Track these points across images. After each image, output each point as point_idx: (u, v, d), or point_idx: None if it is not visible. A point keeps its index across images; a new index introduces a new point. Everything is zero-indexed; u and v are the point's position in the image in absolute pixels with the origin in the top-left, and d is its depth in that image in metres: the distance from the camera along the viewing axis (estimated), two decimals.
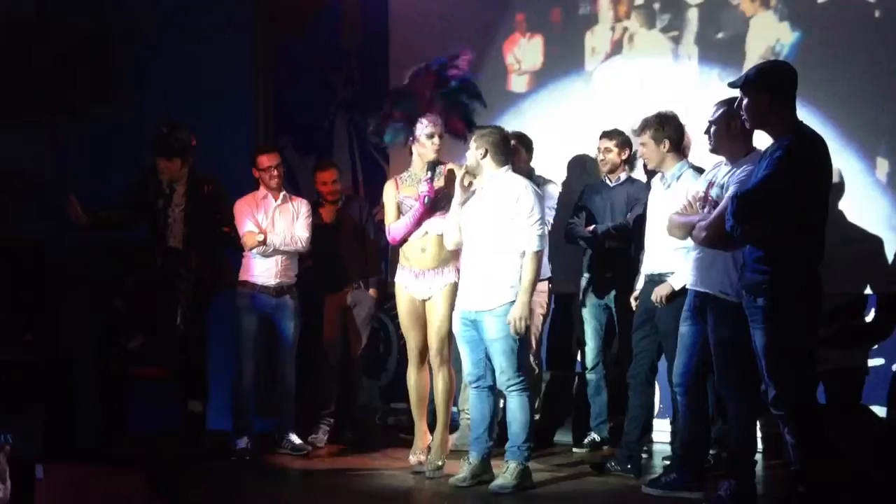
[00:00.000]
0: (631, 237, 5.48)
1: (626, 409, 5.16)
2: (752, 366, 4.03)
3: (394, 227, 5.07)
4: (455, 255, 4.99)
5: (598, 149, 5.72)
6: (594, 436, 5.69)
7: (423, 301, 5.05)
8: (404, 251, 5.07)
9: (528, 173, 5.53)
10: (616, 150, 5.64)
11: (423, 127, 4.98)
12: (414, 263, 5.03)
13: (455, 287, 4.94)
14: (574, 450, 5.67)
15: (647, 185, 5.44)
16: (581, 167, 6.22)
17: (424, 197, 4.94)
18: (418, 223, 4.99)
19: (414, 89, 5.07)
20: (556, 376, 5.94)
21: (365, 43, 7.07)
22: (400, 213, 5.06)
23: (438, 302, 4.99)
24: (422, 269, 5.01)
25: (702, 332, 4.42)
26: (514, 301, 4.67)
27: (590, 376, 5.69)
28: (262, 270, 5.57)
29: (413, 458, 5.15)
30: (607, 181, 5.71)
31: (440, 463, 5.03)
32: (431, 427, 5.21)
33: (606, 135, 5.72)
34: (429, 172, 4.95)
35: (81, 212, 5.58)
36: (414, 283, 5.04)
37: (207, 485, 5.03)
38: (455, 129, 5.08)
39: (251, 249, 5.54)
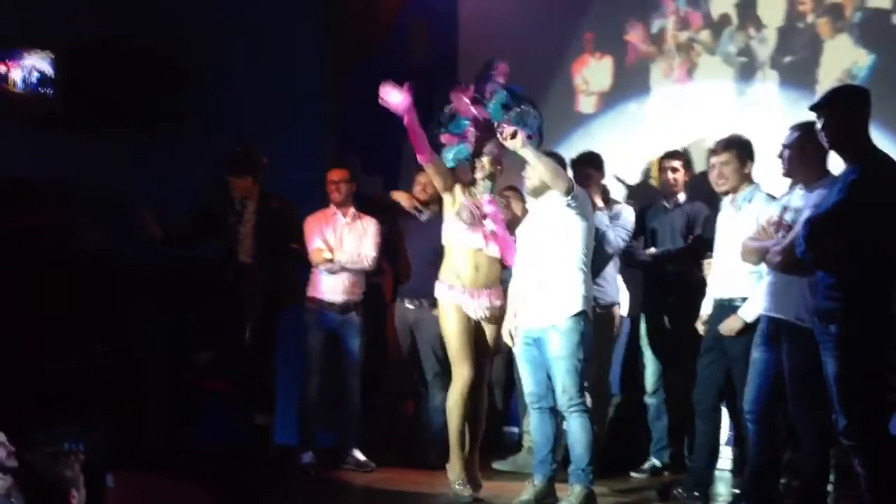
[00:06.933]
0: (692, 260, 5.43)
1: (684, 435, 5.07)
2: (827, 394, 3.95)
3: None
4: (499, 276, 4.96)
5: (663, 169, 5.68)
6: (654, 461, 5.62)
7: (475, 321, 4.95)
8: (456, 270, 4.93)
9: (604, 194, 5.50)
10: (682, 170, 5.61)
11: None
12: (466, 282, 4.92)
13: (503, 309, 4.90)
14: (632, 475, 5.58)
15: (707, 207, 5.38)
16: (645, 189, 6.19)
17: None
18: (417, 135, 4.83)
19: (459, 109, 5.03)
20: (623, 400, 5.88)
21: (434, 64, 7.12)
22: (460, 219, 4.93)
23: (496, 320, 4.94)
24: (475, 288, 4.92)
25: (775, 358, 4.34)
26: (580, 312, 4.63)
27: (650, 401, 5.63)
28: (329, 287, 5.62)
29: (465, 491, 4.91)
30: (665, 204, 5.67)
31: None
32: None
33: (673, 155, 5.69)
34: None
35: (156, 227, 5.69)
36: (470, 303, 4.93)
37: (272, 498, 5.07)
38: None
39: (318, 266, 5.61)
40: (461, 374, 4.89)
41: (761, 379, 4.40)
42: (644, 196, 6.10)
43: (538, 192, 4.80)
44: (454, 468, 4.96)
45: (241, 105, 6.44)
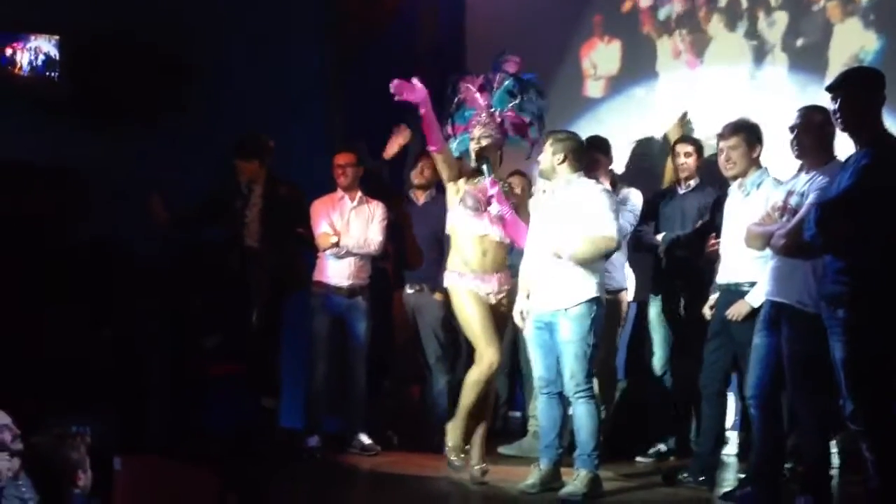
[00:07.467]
0: (701, 246, 5.40)
1: (690, 420, 5.05)
2: (828, 379, 3.94)
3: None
4: (506, 259, 4.98)
5: (676, 154, 5.65)
6: (660, 446, 5.63)
7: (489, 304, 4.96)
8: (464, 256, 4.95)
9: (612, 179, 5.48)
10: (695, 155, 5.57)
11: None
12: (475, 267, 4.94)
13: (513, 292, 4.91)
14: (638, 459, 5.59)
15: (717, 193, 5.36)
16: (654, 174, 6.16)
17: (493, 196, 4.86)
18: (432, 124, 4.88)
19: (466, 98, 5.02)
20: (629, 384, 5.88)
21: (441, 48, 7.08)
22: (464, 206, 4.94)
23: (505, 305, 4.95)
24: (485, 273, 4.94)
25: (777, 343, 4.31)
26: (592, 298, 4.63)
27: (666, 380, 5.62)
28: (336, 271, 5.63)
29: (459, 462, 4.98)
30: (678, 188, 5.65)
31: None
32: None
33: (685, 140, 5.66)
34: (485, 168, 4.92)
35: (163, 210, 5.68)
36: (482, 287, 4.95)
37: (278, 482, 5.08)
38: (518, 130, 5.01)
39: (325, 250, 5.60)
40: (489, 355, 4.85)
41: (763, 364, 4.37)
42: (650, 180, 6.06)
43: (548, 174, 4.79)
44: (454, 433, 4.94)
45: (244, 90, 6.41)
